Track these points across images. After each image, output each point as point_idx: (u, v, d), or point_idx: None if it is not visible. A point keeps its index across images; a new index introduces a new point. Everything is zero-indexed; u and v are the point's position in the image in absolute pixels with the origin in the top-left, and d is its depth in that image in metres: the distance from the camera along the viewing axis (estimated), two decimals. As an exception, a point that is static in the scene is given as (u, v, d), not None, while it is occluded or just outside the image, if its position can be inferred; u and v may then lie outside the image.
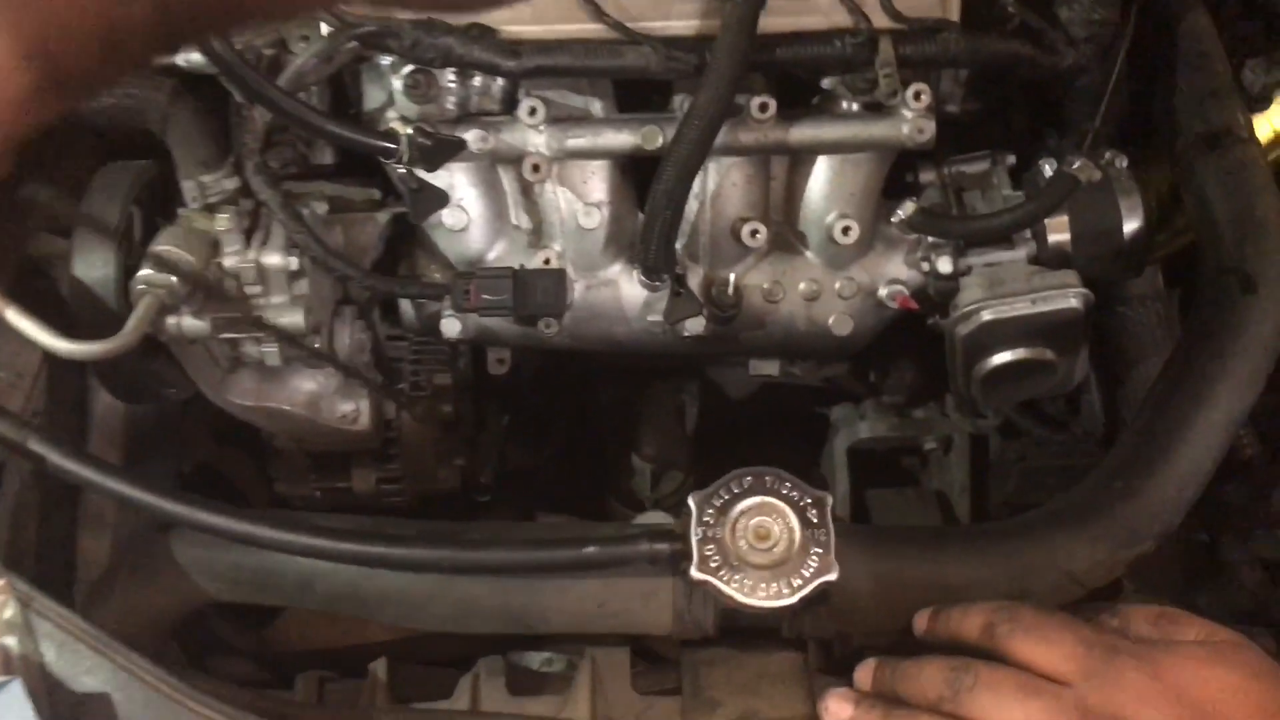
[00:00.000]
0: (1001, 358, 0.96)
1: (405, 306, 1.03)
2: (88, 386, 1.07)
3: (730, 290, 0.96)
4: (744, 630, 0.80)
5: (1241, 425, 0.85)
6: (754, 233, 0.95)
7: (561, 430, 1.26)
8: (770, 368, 1.08)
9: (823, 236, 0.96)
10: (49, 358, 1.04)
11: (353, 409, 1.01)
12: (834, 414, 1.27)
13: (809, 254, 0.99)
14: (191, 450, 1.13)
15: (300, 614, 1.10)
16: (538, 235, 0.99)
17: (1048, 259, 0.96)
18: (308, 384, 0.99)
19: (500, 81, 0.93)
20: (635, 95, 0.96)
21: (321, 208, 0.95)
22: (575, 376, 1.22)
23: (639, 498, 1.19)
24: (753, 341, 1.01)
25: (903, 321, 1.03)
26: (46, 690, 0.67)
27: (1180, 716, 0.59)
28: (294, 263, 0.88)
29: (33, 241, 1.06)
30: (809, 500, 0.73)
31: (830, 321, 0.99)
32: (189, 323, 0.88)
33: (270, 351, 0.92)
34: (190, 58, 0.92)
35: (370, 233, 1.01)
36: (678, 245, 0.95)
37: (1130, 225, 0.95)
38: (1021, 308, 0.93)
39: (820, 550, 0.71)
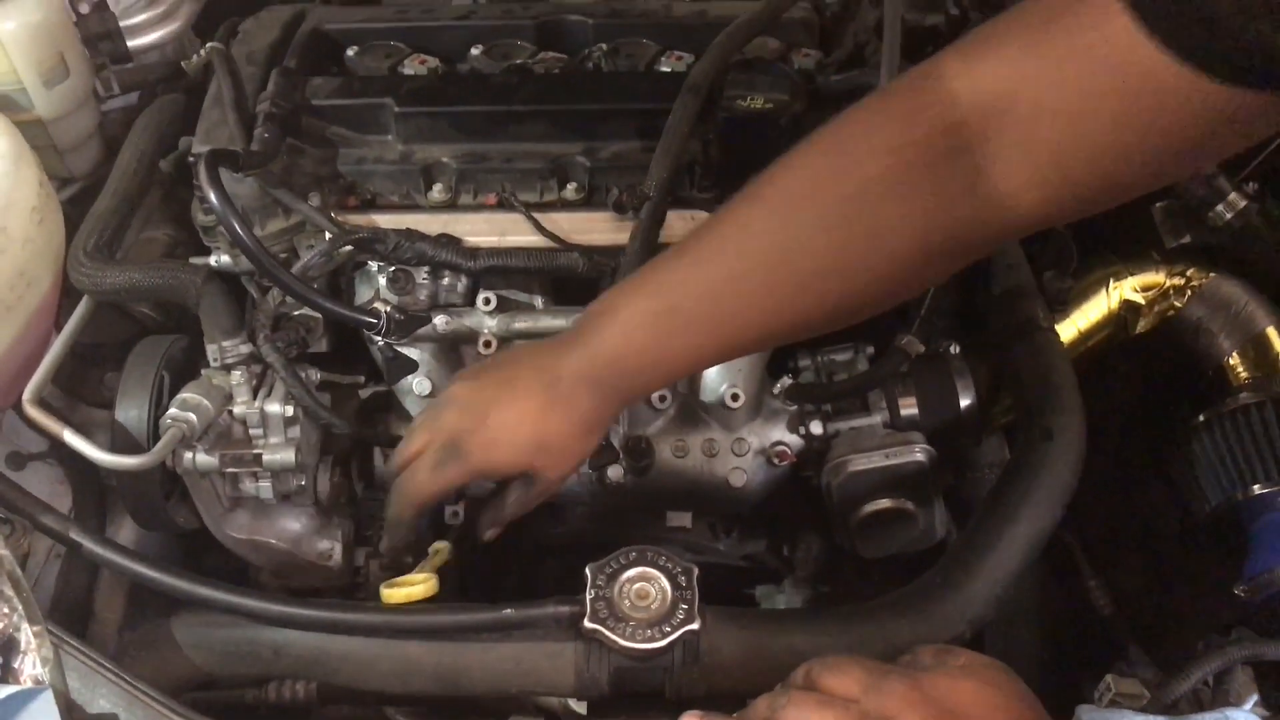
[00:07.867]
0: (869, 507, 1.17)
1: (379, 467, 1.24)
2: (106, 526, 1.27)
3: (643, 444, 1.18)
4: (637, 696, 0.97)
5: (1044, 543, 1.04)
6: (662, 399, 1.19)
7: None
8: (684, 519, 1.27)
9: (717, 403, 1.19)
10: (76, 503, 1.26)
11: (329, 547, 1.20)
12: (757, 592, 1.45)
13: (707, 418, 1.21)
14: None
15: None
16: (489, 403, 1.22)
17: (900, 426, 1.19)
18: (292, 523, 1.19)
19: (464, 280, 1.19)
20: (569, 292, 1.22)
21: (315, 375, 1.18)
22: (524, 552, 1.41)
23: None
24: (666, 492, 1.22)
25: (807, 498, 1.23)
26: (67, 708, 0.84)
27: (934, 716, 0.76)
28: (290, 410, 1.10)
29: (78, 413, 1.30)
30: (680, 570, 0.92)
31: (727, 474, 1.20)
32: (201, 458, 1.09)
33: (265, 486, 1.13)
34: (220, 259, 1.18)
35: (353, 404, 1.25)
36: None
37: (965, 400, 1.19)
38: (878, 460, 1.15)
39: (686, 607, 0.90)
